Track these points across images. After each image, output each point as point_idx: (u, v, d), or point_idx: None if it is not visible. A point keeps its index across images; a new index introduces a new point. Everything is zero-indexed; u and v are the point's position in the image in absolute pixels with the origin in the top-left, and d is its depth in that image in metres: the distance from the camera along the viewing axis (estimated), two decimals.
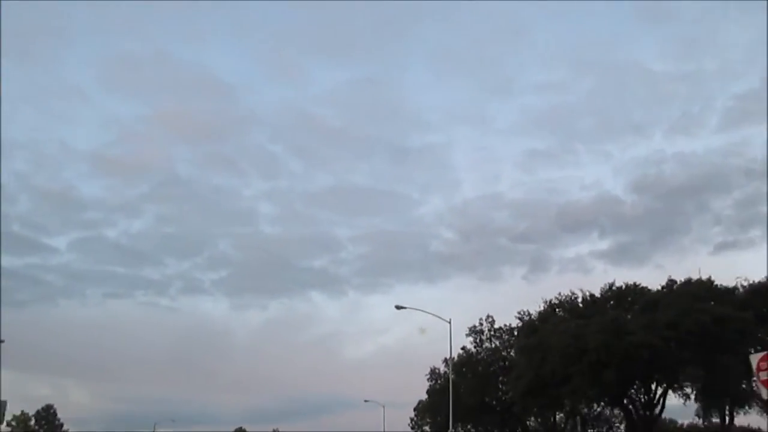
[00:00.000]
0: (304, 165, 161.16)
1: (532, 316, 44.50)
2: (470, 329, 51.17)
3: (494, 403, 49.70)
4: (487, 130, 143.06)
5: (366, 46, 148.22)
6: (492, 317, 52.01)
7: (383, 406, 23.55)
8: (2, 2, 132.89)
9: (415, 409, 68.85)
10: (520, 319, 46.86)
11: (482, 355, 50.74)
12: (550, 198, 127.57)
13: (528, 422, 51.01)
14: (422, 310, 32.70)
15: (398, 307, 32.30)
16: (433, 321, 31.92)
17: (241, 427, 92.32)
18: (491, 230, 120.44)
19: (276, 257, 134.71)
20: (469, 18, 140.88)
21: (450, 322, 31.92)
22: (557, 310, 42.33)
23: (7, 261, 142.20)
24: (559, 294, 43.14)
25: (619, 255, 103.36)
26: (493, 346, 50.87)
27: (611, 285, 41.55)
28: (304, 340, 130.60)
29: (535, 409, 45.82)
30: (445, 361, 45.93)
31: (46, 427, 78.33)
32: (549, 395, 37.26)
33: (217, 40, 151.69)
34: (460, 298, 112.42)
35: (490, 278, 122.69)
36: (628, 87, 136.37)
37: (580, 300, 41.85)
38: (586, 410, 46.33)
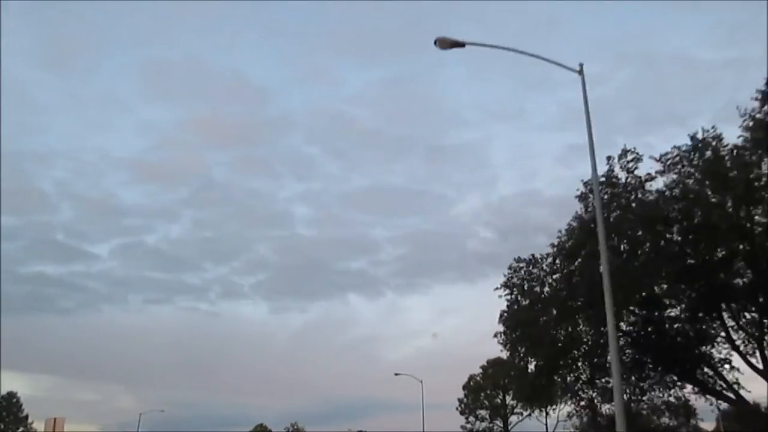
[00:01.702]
0: (340, 166, 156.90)
1: None
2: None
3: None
4: (524, 125, 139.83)
5: (399, 44, 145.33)
6: None
7: (421, 381, 20.76)
8: (40, 14, 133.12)
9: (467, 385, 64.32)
10: None
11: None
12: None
13: None
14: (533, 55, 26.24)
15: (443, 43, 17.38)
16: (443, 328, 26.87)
17: (261, 424, 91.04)
18: (529, 228, 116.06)
19: (313, 260, 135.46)
20: (503, 12, 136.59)
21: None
22: None
23: (52, 269, 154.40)
24: None
25: None
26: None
27: None
28: (342, 343, 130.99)
29: None
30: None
31: (9, 418, 74.46)
32: None
33: (248, 43, 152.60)
34: (500, 299, 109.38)
35: None
36: (669, 77, 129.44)
37: None
38: None
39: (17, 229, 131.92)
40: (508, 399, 61.59)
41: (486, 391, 64.04)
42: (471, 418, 64.84)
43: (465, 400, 65.12)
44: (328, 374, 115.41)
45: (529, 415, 59.40)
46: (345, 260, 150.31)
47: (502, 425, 63.39)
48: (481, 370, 64.35)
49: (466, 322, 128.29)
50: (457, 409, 63.99)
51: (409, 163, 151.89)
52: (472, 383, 64.82)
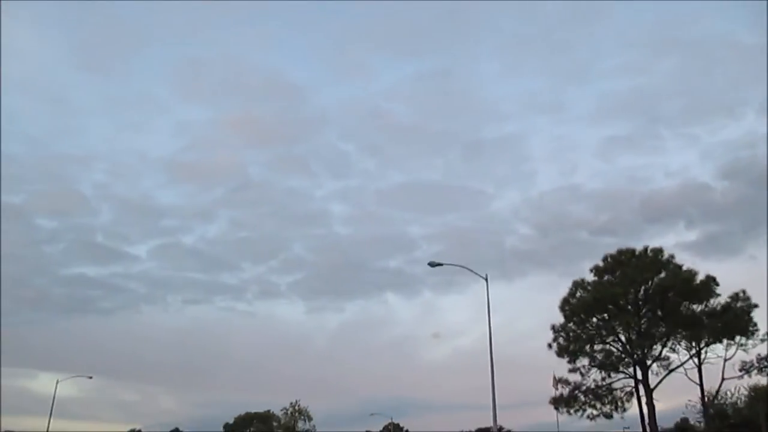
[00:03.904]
0: (376, 163, 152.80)
1: None
2: None
3: None
4: (563, 118, 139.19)
5: (433, 38, 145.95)
6: None
7: (485, 277, 21.21)
8: (76, 16, 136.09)
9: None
10: None
11: None
12: (631, 187, 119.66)
13: None
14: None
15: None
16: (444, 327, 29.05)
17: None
18: (569, 224, 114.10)
19: (350, 258, 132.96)
20: (540, 3, 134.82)
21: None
22: None
23: (93, 270, 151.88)
24: None
25: (708, 246, 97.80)
26: None
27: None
28: (380, 342, 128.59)
29: None
30: None
31: None
32: None
33: (283, 41, 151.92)
34: (539, 297, 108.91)
35: (570, 274, 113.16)
36: (717, 64, 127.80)
37: None
38: None
39: (58, 232, 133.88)
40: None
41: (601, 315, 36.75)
42: (583, 361, 37.47)
43: (565, 328, 37.51)
44: (366, 374, 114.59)
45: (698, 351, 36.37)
46: (382, 258, 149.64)
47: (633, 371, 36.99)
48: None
49: (505, 321, 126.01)
50: (549, 346, 37.10)
51: (446, 159, 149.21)
52: (578, 292, 37.51)
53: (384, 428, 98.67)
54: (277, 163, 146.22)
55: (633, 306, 35.99)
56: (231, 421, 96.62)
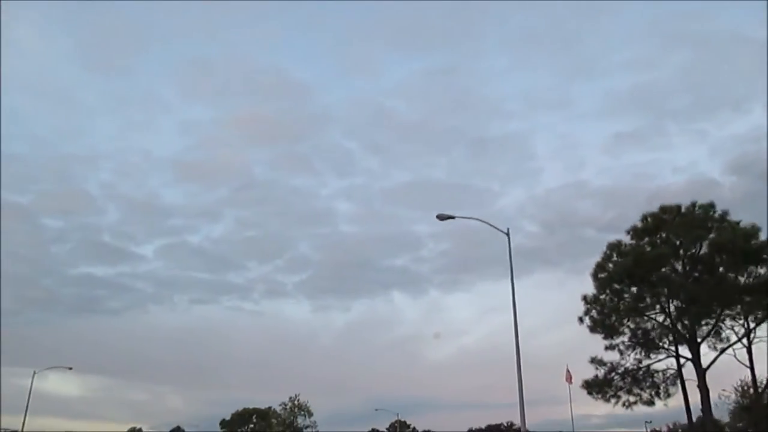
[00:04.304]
0: (380, 161, 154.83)
1: None
2: None
3: None
4: (569, 114, 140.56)
5: (438, 35, 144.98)
6: None
7: (507, 232, 17.35)
8: (81, 15, 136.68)
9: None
10: None
11: None
12: (638, 183, 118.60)
13: None
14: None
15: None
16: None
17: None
18: (576, 221, 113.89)
19: (356, 257, 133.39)
20: None
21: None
22: None
23: (100, 270, 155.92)
24: None
25: None
26: None
27: None
28: (386, 341, 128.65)
29: None
30: None
31: None
32: None
33: (286, 39, 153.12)
34: (546, 295, 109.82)
35: (576, 272, 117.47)
36: (725, 58, 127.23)
37: None
38: None
39: (65, 232, 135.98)
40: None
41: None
42: (619, 337, 31.50)
43: (599, 299, 30.95)
44: (372, 373, 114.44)
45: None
46: (388, 257, 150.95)
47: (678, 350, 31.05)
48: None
49: (510, 320, 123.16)
50: (581, 320, 30.87)
51: (451, 157, 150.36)
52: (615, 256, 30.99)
53: (390, 425, 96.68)
54: (281, 162, 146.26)
55: (680, 271, 30.32)
56: (228, 418, 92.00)
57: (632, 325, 31.55)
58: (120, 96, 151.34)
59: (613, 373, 31.59)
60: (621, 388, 32.42)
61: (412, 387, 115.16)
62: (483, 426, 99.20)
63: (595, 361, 31.52)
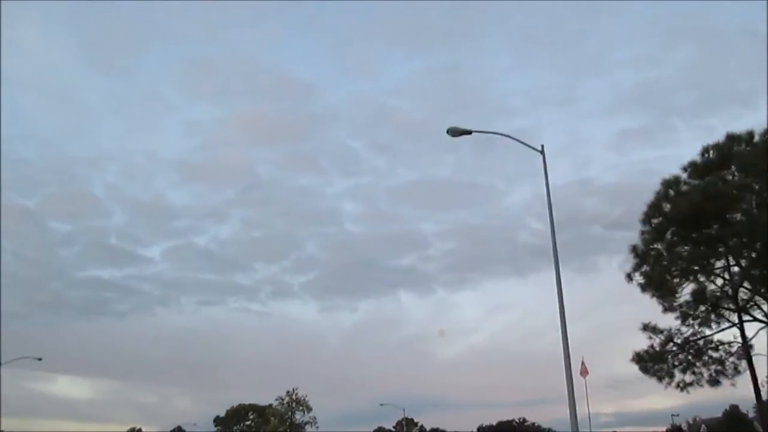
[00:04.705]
0: (386, 160, 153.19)
1: None
2: None
3: None
4: (575, 112, 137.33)
5: (441, 33, 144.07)
6: None
7: (541, 150, 13.34)
8: (84, 15, 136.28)
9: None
10: None
11: None
12: (646, 180, 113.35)
13: None
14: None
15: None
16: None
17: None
18: (583, 218, 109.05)
19: (363, 257, 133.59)
20: None
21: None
22: None
23: (108, 273, 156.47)
24: None
25: None
26: None
27: None
28: (393, 341, 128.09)
29: None
30: None
31: None
32: None
33: (290, 39, 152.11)
34: (553, 293, 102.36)
35: (584, 269, 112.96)
36: (732, 53, 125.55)
37: None
38: None
39: (72, 235, 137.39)
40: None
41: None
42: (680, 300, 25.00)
43: (652, 250, 24.80)
44: (379, 372, 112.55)
45: None
46: (394, 257, 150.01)
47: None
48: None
49: (518, 318, 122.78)
50: (629, 277, 24.38)
51: (457, 155, 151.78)
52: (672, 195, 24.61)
53: (397, 423, 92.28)
54: (286, 162, 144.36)
55: (757, 215, 23.73)
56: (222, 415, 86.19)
57: (694, 285, 25.00)
58: (123, 96, 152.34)
59: (671, 344, 25.10)
60: (678, 364, 25.97)
61: (420, 386, 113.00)
62: (494, 423, 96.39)
63: (648, 328, 25.00)
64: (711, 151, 25.69)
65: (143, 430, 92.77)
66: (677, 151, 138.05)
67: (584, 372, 58.99)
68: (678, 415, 74.92)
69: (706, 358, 25.90)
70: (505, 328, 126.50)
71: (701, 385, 26.33)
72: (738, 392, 29.75)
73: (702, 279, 24.63)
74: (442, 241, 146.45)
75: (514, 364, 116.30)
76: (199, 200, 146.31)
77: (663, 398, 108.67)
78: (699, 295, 24.78)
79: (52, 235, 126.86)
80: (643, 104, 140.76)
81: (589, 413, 50.64)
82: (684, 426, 74.42)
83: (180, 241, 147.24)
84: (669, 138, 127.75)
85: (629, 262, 25.22)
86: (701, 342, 25.05)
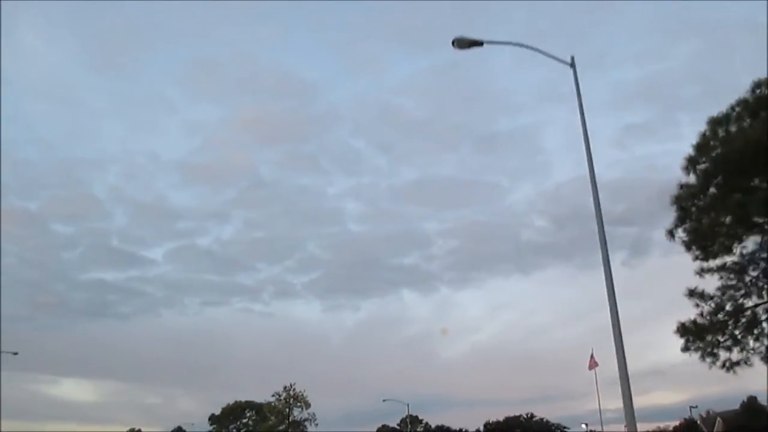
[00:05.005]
0: (388, 159, 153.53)
1: None
2: None
3: None
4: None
5: (443, 30, 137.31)
6: None
7: (572, 62, 11.03)
8: (85, 16, 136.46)
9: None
10: None
11: None
12: (649, 175, 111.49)
13: None
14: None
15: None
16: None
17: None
18: (587, 215, 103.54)
19: (365, 256, 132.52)
20: None
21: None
22: None
23: (111, 275, 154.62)
24: None
25: None
26: None
27: None
28: (397, 340, 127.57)
29: None
30: None
31: None
32: None
33: (292, 38, 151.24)
34: (557, 290, 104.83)
35: (588, 266, 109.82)
36: (734, 47, 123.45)
37: None
38: None
39: (75, 237, 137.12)
40: None
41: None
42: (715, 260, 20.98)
43: (698, 199, 20.65)
44: (383, 372, 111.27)
45: None
46: (397, 256, 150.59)
47: None
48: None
49: (522, 317, 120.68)
50: (671, 233, 20.56)
51: (459, 153, 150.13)
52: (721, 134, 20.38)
53: (401, 421, 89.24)
54: (288, 162, 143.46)
55: None
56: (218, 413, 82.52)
57: (747, 244, 20.95)
58: (125, 97, 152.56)
59: (721, 313, 21.03)
60: (724, 340, 21.88)
61: (423, 385, 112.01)
62: (501, 419, 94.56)
63: (695, 294, 20.90)
64: (764, 87, 21.57)
65: (143, 430, 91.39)
66: (681, 146, 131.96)
67: (593, 365, 55.55)
68: (697, 407, 71.38)
69: (757, 330, 21.84)
70: (508, 326, 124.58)
71: (750, 365, 22.40)
72: (751, 386, 26.29)
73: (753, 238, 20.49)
74: (445, 240, 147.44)
75: (518, 362, 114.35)
76: (201, 201, 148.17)
77: (670, 394, 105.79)
78: (753, 257, 20.67)
79: (54, 237, 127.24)
80: (647, 99, 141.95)
81: (600, 408, 47.29)
82: (698, 419, 70.83)
83: (182, 242, 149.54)
84: (672, 133, 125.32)
85: (670, 216, 21.15)
86: (759, 310, 20.90)
